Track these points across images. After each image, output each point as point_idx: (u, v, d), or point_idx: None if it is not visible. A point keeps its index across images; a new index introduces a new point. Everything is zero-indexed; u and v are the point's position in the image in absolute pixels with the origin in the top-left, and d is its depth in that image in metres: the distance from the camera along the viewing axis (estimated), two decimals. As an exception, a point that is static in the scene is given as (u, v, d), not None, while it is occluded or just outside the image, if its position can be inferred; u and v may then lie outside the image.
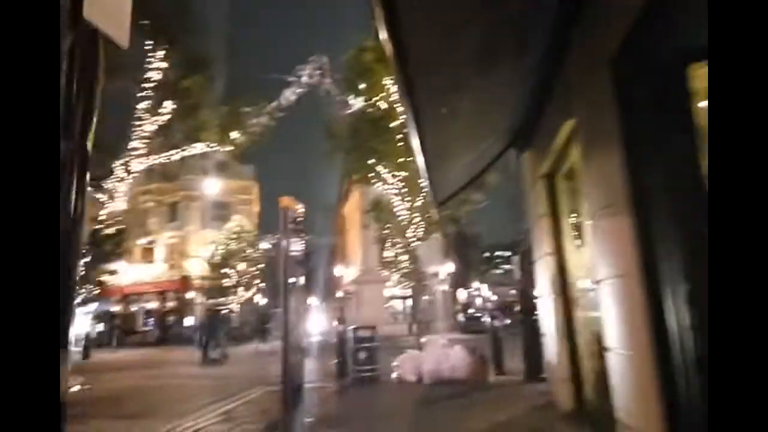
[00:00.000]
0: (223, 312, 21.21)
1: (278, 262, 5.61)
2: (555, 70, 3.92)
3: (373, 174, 8.55)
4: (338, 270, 34.04)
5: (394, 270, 29.11)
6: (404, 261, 28.97)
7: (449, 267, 32.62)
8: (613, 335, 3.13)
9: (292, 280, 5.91)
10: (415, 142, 4.36)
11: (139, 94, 13.36)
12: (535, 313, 8.02)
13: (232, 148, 13.15)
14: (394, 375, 7.55)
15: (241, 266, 28.89)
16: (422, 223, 8.74)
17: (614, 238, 2.96)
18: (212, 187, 27.63)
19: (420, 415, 5.40)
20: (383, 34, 2.86)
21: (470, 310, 29.09)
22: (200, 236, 30.97)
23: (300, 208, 5.72)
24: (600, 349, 4.44)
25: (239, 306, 29.14)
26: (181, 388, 8.57)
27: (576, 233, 4.73)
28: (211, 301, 27.38)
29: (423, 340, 8.23)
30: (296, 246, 5.70)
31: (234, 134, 12.80)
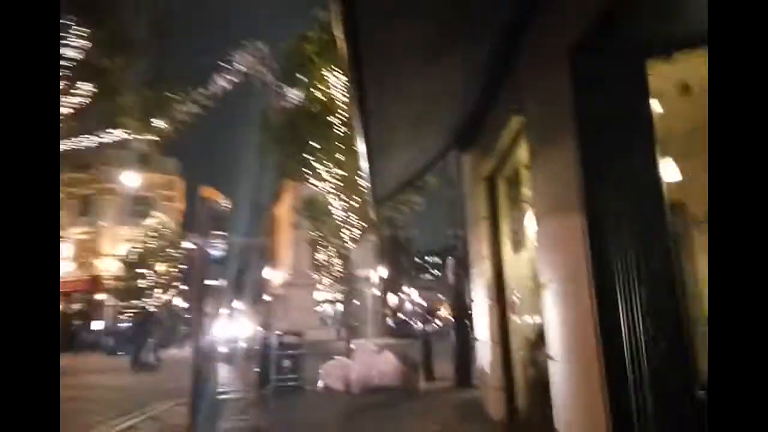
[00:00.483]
0: (155, 314, 19.89)
1: (195, 260, 5.03)
2: (506, 64, 3.75)
3: (308, 171, 8.09)
4: (267, 272, 32.89)
5: (325, 273, 28.58)
6: (336, 264, 28.49)
7: (381, 271, 32.56)
8: (557, 343, 2.96)
9: (210, 281, 5.32)
10: (359, 136, 4.03)
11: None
12: (467, 318, 7.96)
13: (154, 137, 12.07)
14: (319, 383, 7.12)
15: (160, 267, 27.01)
16: (357, 224, 8.40)
17: (563, 239, 2.79)
18: (131, 180, 25.60)
19: (344, 428, 5.03)
20: (335, 20, 2.61)
21: (400, 315, 29.15)
22: (115, 233, 28.60)
23: (223, 201, 5.19)
24: (534, 357, 4.33)
25: (156, 309, 27.19)
26: (80, 401, 7.59)
27: (515, 237, 4.60)
28: (137, 302, 25.40)
29: (352, 345, 7.87)
30: (216, 243, 5.15)
31: (157, 122, 11.75)
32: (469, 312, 8.05)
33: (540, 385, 4.16)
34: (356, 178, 7.93)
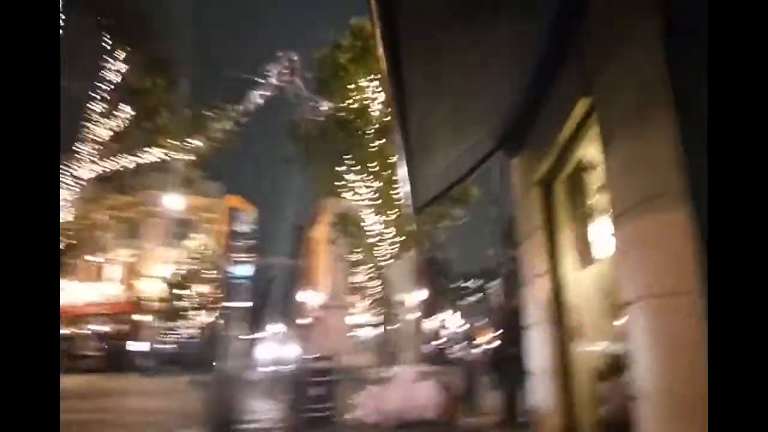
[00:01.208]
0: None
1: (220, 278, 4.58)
2: (566, 39, 3.18)
3: (342, 184, 7.64)
4: (303, 295, 32.66)
5: (361, 296, 27.99)
6: (373, 286, 27.90)
7: (420, 294, 31.69)
8: (650, 376, 2.28)
9: (239, 302, 4.84)
10: (398, 137, 3.56)
11: (94, 96, 12.30)
12: (517, 346, 7.16)
13: (192, 156, 12.06)
14: (353, 415, 6.49)
15: (202, 288, 27.23)
16: (395, 239, 7.83)
17: (658, 243, 2.14)
18: (175, 203, 26.12)
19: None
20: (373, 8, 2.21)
21: (439, 341, 28.03)
22: (159, 255, 29.14)
23: (251, 212, 4.76)
24: (607, 392, 3.59)
25: (199, 331, 27.30)
26: (108, 425, 7.28)
27: (579, 249, 3.92)
28: (178, 323, 25.73)
29: (389, 373, 7.22)
30: (243, 258, 4.71)
31: (195, 141, 11.74)
32: (519, 339, 7.25)
33: (616, 427, 3.42)
34: (392, 190, 7.43)
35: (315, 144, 7.33)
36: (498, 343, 7.21)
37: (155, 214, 28.96)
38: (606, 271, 4.10)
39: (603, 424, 3.43)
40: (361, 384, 7.75)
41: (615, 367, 3.42)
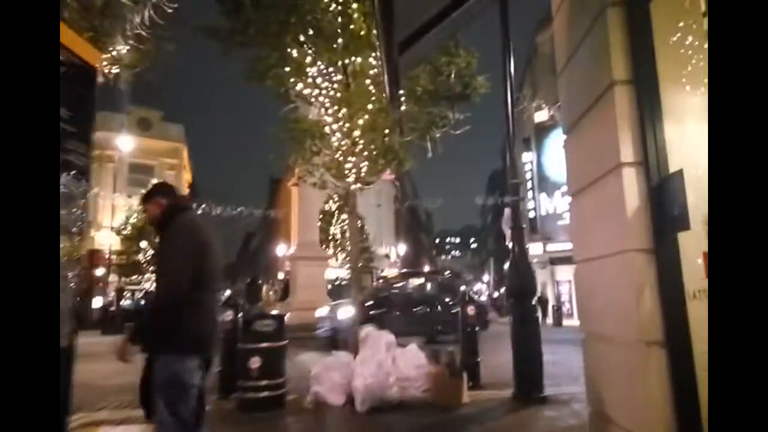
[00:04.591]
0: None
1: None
2: None
3: (289, 69, 5.45)
4: (279, 248, 30.86)
5: (339, 248, 26.17)
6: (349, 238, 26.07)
7: (401, 248, 30.16)
8: None
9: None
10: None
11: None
12: (533, 299, 5.40)
13: (115, 68, 9.56)
14: (310, 393, 4.68)
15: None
16: (366, 152, 5.71)
17: None
18: (129, 145, 23.41)
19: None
20: None
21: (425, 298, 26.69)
22: (113, 203, 26.68)
23: (96, 60, 2.69)
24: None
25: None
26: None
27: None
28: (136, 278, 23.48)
29: (361, 333, 5.40)
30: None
31: (119, 47, 9.24)
32: (533, 293, 5.45)
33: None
34: (367, 80, 5.32)
35: (254, 13, 5.15)
36: (509, 296, 5.38)
37: (108, 158, 26.18)
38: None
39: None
40: (326, 346, 5.95)
41: None
